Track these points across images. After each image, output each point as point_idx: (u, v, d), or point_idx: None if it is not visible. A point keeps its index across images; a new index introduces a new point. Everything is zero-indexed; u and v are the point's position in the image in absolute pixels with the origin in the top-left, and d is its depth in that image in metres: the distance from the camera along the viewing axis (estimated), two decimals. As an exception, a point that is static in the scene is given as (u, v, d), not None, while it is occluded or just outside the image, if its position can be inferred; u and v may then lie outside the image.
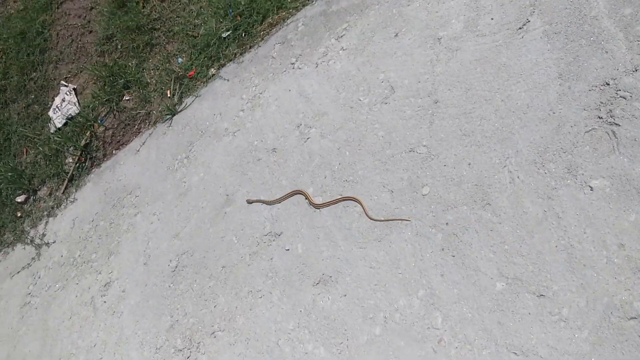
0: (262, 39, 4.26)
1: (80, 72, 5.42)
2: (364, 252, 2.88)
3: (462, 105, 2.92)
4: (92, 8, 5.54)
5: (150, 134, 4.55)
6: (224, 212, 3.63)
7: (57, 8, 5.82)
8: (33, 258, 4.82)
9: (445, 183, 2.78)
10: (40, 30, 5.78)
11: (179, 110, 4.47)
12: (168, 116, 4.52)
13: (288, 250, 3.19)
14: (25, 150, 5.48)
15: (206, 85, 4.42)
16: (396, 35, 3.41)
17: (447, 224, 2.69)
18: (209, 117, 4.18)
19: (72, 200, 4.85)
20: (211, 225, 3.65)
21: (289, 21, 4.13)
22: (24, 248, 4.98)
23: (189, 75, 4.57)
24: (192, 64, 4.60)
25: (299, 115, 3.61)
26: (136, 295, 3.78)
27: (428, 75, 3.14)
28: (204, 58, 4.53)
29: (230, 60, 4.37)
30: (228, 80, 4.23)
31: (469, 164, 2.75)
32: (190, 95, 4.50)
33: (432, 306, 2.56)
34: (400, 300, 2.66)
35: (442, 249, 2.65)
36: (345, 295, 2.85)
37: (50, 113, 5.35)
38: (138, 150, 4.56)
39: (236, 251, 3.42)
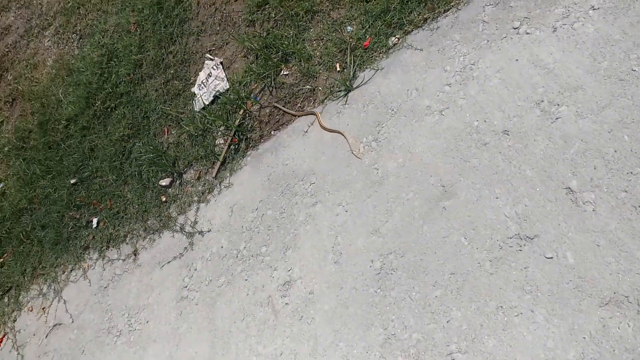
0: (461, 0, 3.61)
1: (226, 44, 4.94)
2: (682, 268, 2.23)
3: None
4: (237, -27, 5.05)
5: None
6: (441, 207, 3.04)
7: (197, -25, 5.37)
8: (185, 248, 4.42)
9: None
10: (178, -1, 5.35)
11: (355, 86, 3.90)
12: (341, 93, 3.96)
13: (550, 258, 2.56)
14: (166, 130, 5.09)
15: (387, 57, 3.83)
16: (678, -13, 2.68)
17: None
18: (400, 93, 3.59)
19: (227, 185, 4.40)
20: (425, 221, 3.07)
21: (498, -21, 3.45)
22: (173, 236, 4.60)
23: (364, 46, 3.98)
24: (365, 33, 4.01)
25: (538, 90, 2.95)
26: (330, 300, 3.27)
27: None
28: (381, 25, 3.93)
29: (418, 27, 3.75)
30: (421, 50, 3.61)
31: None
32: (366, 68, 3.91)
33: None
34: None
35: None
36: (657, 323, 2.21)
37: (195, 89, 4.93)
38: (306, 132, 4.03)
39: (469, 255, 2.83)
